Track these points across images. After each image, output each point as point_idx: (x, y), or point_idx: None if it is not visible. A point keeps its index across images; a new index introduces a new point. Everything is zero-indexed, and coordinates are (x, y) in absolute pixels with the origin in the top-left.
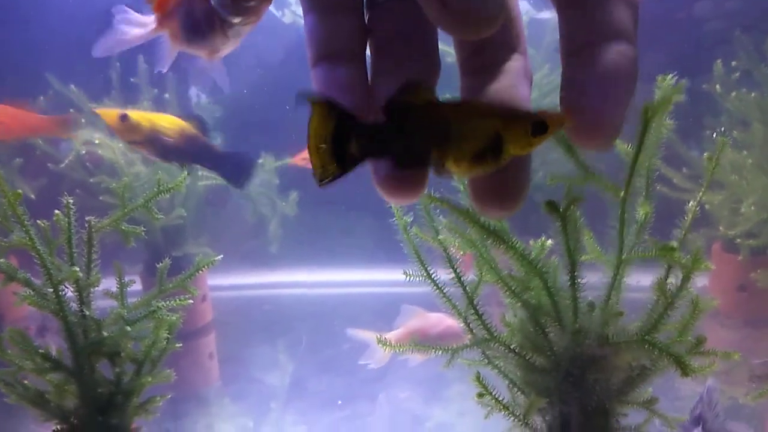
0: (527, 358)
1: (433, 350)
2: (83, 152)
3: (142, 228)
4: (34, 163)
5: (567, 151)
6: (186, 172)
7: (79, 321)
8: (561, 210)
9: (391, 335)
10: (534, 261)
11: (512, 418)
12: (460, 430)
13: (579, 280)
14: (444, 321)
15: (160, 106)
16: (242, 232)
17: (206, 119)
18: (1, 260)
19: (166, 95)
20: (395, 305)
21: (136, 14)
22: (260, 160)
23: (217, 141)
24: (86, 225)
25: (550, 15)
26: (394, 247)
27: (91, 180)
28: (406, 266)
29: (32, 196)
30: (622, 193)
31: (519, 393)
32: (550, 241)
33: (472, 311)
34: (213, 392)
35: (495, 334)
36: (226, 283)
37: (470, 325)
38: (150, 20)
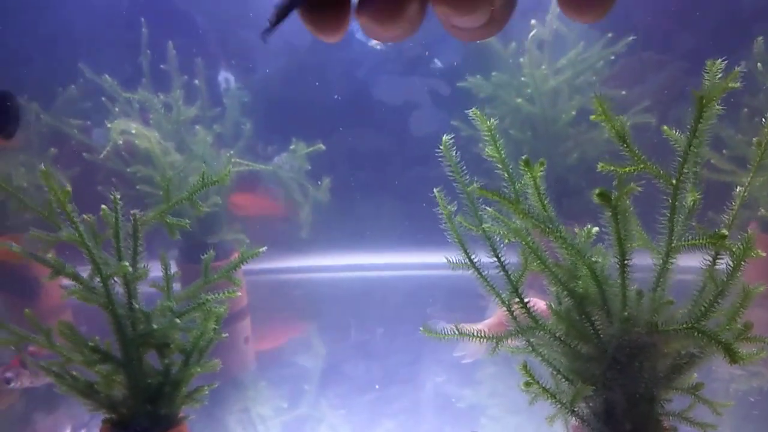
0: (573, 345)
1: (475, 338)
2: (120, 142)
3: (186, 221)
4: (68, 152)
5: (619, 139)
6: (230, 166)
7: (127, 314)
8: (613, 199)
9: (483, 325)
10: (582, 250)
11: (557, 405)
12: (491, 412)
13: (629, 269)
14: (537, 305)
15: (190, 92)
16: (272, 217)
17: (235, 103)
18: (49, 255)
19: (196, 81)
20: (427, 289)
21: None
22: (291, 146)
23: (246, 126)
24: (131, 218)
25: None
26: (424, 231)
27: (128, 170)
28: (436, 250)
29: (67, 186)
30: (674, 181)
31: (563, 380)
32: (596, 229)
33: (517, 299)
34: (249, 376)
35: (540, 322)
36: (257, 267)
37: (514, 313)
38: None
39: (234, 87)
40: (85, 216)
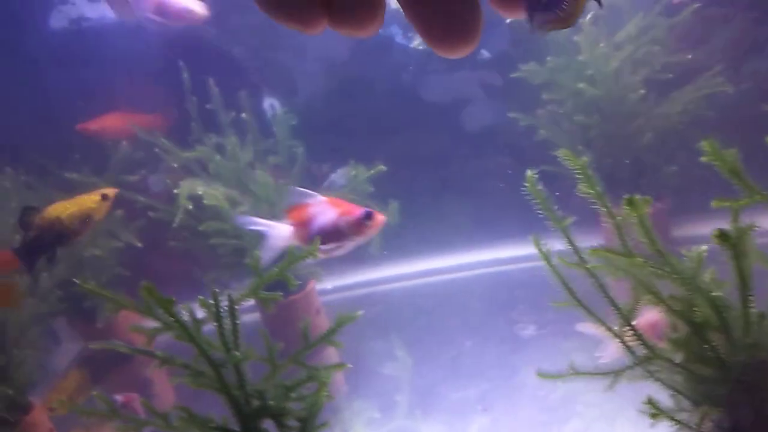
0: (694, 371)
1: (597, 376)
2: (190, 207)
3: (279, 294)
4: (132, 210)
5: (732, 175)
6: (317, 243)
7: (240, 393)
8: (733, 239)
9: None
10: (697, 281)
11: (682, 429)
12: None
13: (751, 298)
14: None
15: (238, 125)
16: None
17: (284, 129)
18: (159, 352)
19: (243, 115)
20: (507, 287)
21: None
22: (353, 172)
23: (299, 149)
24: (227, 298)
25: None
26: (493, 224)
27: (200, 228)
28: (508, 243)
29: (139, 245)
30: None
31: (684, 401)
32: (705, 248)
33: (631, 332)
34: (342, 399)
35: (658, 352)
36: (330, 286)
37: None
38: None
39: (280, 112)
40: (183, 307)
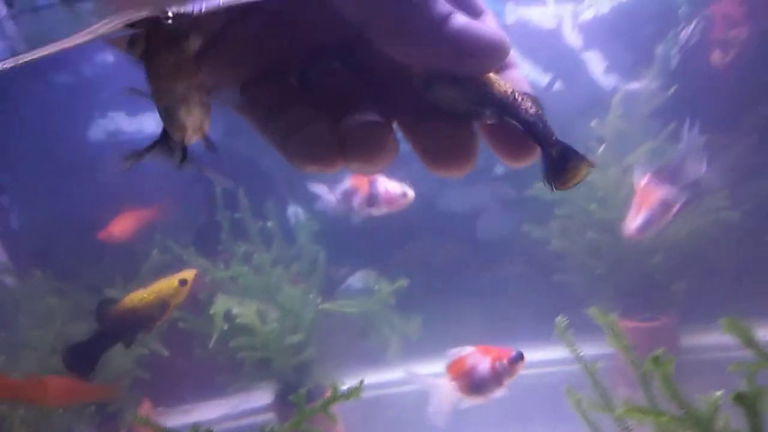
0: None
1: None
2: (225, 327)
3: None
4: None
5: (747, 344)
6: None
7: None
8: (749, 401)
9: None
10: (713, 428)
11: None
12: None
13: None
14: None
15: (264, 234)
16: (351, 336)
17: (306, 235)
18: None
19: (269, 223)
20: (520, 394)
21: None
22: (376, 286)
23: (320, 255)
24: None
25: (639, 86)
26: (505, 331)
27: (231, 345)
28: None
29: (165, 353)
30: None
31: None
32: (720, 393)
33: None
34: None
35: None
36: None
37: None
38: None
39: (304, 219)
40: None
